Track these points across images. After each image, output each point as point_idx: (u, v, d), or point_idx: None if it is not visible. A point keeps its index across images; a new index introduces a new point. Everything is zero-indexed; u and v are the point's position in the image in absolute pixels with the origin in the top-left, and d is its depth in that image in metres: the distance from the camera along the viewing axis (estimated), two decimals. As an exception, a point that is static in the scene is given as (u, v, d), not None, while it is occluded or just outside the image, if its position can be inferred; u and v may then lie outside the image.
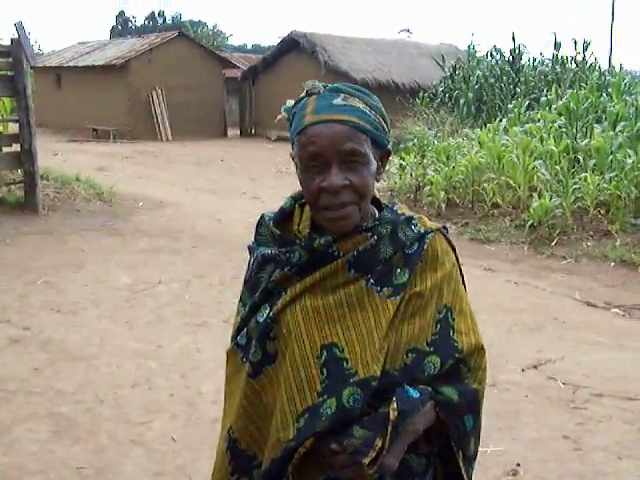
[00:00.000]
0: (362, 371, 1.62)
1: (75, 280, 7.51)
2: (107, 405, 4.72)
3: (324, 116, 1.63)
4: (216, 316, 6.39)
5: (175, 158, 20.47)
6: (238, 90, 30.29)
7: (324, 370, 1.63)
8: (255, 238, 1.84)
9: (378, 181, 1.71)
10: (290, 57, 27.10)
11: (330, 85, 1.72)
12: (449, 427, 1.70)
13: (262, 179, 16.59)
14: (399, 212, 1.79)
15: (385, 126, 1.71)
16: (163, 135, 26.61)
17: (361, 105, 1.67)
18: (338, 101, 1.65)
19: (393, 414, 1.58)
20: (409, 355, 1.67)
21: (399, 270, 1.69)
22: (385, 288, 1.67)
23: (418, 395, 1.64)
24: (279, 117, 1.82)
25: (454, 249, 1.83)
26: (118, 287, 7.33)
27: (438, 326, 1.71)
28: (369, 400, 1.61)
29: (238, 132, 29.67)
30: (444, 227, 1.83)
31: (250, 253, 1.84)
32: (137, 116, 26.60)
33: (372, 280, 1.67)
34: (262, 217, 1.84)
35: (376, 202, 1.79)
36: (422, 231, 1.74)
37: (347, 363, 1.63)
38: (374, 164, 1.67)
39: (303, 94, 1.71)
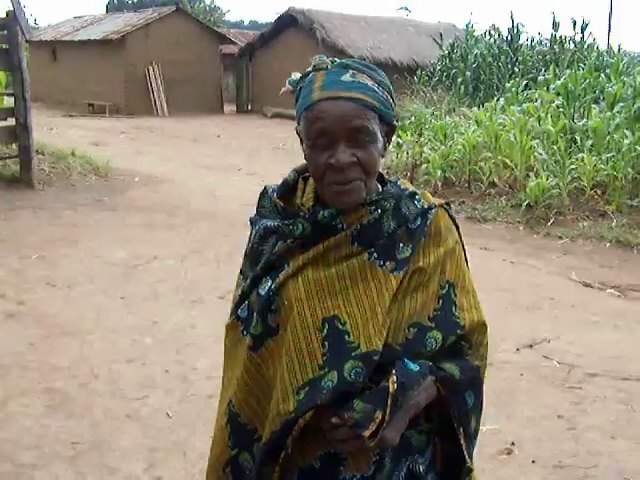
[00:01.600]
0: (364, 345, 1.60)
1: (70, 255, 7.49)
2: (102, 380, 4.72)
3: (332, 93, 1.61)
4: (212, 292, 6.37)
5: (171, 133, 20.38)
6: (235, 66, 30.19)
7: (325, 343, 1.62)
8: (257, 210, 1.82)
9: (383, 157, 1.69)
10: (287, 34, 26.93)
11: (338, 61, 1.69)
12: (450, 403, 1.69)
13: (258, 155, 16.53)
14: (402, 187, 1.77)
15: (392, 102, 1.69)
16: (159, 110, 26.50)
17: (369, 82, 1.64)
18: (346, 77, 1.63)
19: (392, 387, 1.57)
20: (411, 330, 1.66)
21: (402, 245, 1.67)
22: (388, 262, 1.65)
23: (418, 368, 1.63)
24: (283, 90, 1.78)
25: (457, 226, 1.81)
26: (113, 262, 7.31)
27: (440, 302, 1.71)
28: (371, 374, 1.60)
29: (235, 108, 29.57)
30: (447, 203, 1.81)
31: (252, 225, 1.82)
32: (133, 91, 26.47)
33: (375, 254, 1.66)
34: (265, 189, 1.82)
35: (380, 177, 1.77)
36: (425, 206, 1.73)
37: (349, 336, 1.61)
38: (381, 141, 1.66)
39: (310, 69, 1.69)
